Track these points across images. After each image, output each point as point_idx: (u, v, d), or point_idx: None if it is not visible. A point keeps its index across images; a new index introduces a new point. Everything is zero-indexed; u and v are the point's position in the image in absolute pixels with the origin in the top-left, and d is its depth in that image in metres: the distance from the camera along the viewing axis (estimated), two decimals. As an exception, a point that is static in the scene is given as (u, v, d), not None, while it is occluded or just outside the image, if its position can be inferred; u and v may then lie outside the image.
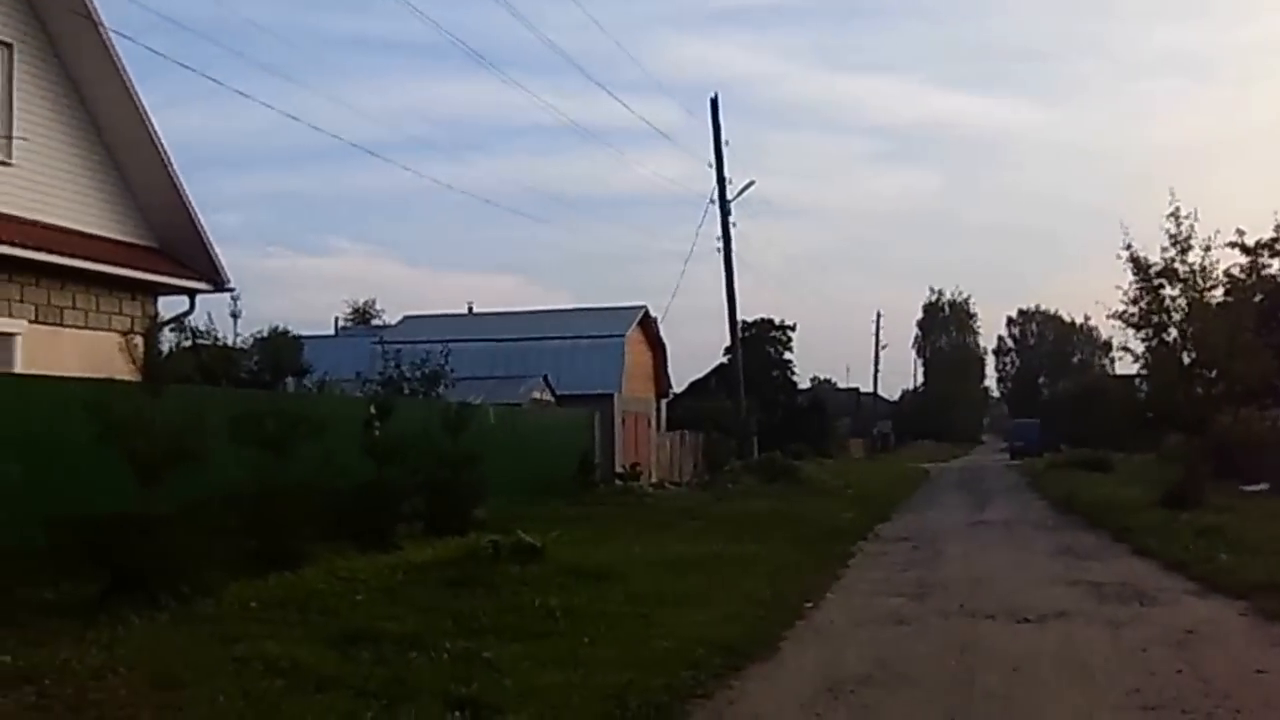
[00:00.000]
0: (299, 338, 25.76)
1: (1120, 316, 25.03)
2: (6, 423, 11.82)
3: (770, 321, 65.28)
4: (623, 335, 37.02)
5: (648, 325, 39.95)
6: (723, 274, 39.29)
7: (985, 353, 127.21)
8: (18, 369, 15.05)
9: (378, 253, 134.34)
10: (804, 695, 8.19)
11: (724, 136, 39.39)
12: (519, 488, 22.52)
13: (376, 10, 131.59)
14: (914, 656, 9.54)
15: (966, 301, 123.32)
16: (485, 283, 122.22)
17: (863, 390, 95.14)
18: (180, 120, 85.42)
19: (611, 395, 34.05)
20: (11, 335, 15.48)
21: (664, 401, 42.71)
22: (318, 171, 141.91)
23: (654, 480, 33.81)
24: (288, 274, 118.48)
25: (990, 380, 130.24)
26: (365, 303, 67.00)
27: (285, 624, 9.61)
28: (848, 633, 10.76)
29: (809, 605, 12.17)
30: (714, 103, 39.60)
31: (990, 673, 8.87)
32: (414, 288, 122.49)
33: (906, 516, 25.60)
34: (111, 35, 16.58)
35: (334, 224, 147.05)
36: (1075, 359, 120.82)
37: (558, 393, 32.93)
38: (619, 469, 31.70)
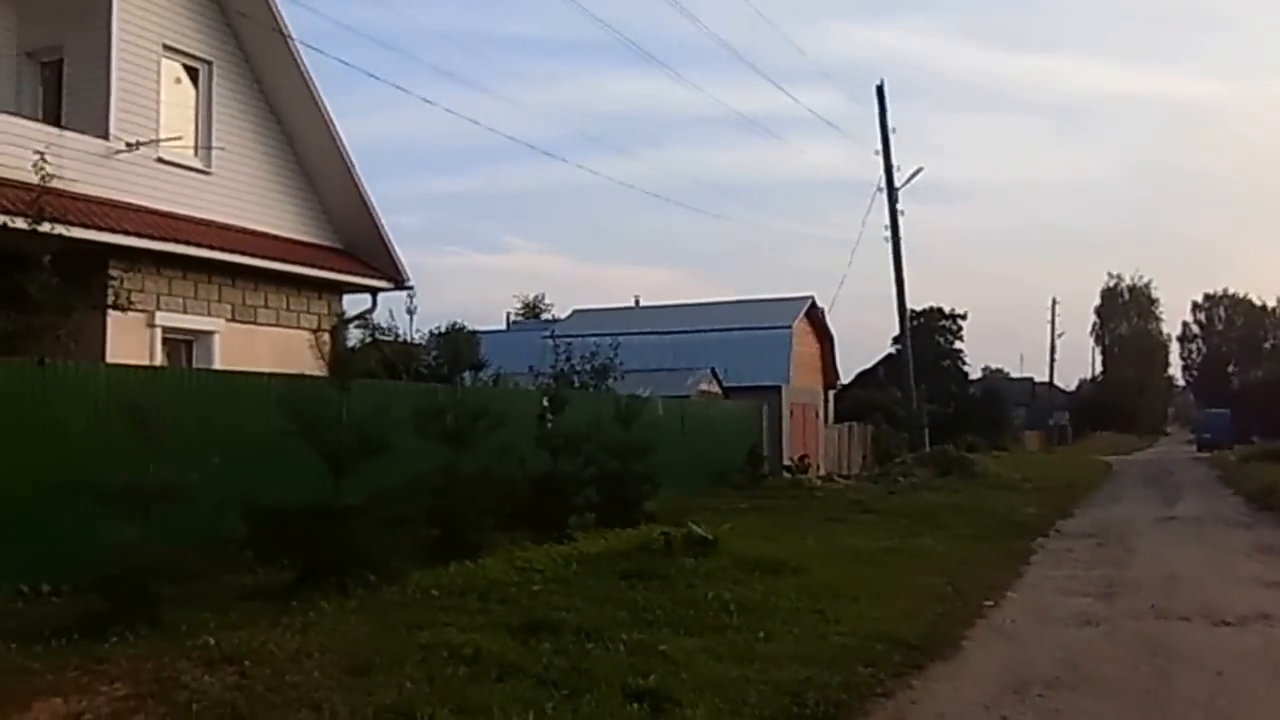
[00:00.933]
0: (475, 332, 26.34)
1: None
2: (208, 416, 12.31)
3: (940, 310, 64.18)
4: (790, 326, 36.74)
5: (815, 315, 39.54)
6: (891, 263, 38.62)
7: (1169, 339, 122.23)
8: (216, 365, 15.83)
9: (546, 249, 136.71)
10: (988, 697, 7.99)
11: (890, 123, 38.67)
12: (688, 480, 22.59)
13: (541, 11, 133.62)
14: (1104, 659, 9.20)
15: (1148, 286, 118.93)
16: (652, 276, 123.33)
17: (1038, 380, 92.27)
18: (363, 125, 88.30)
19: (779, 387, 33.86)
20: (211, 333, 16.30)
21: (831, 393, 42.26)
22: (491, 171, 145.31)
23: (822, 473, 33.51)
24: (460, 271, 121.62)
25: (1174, 369, 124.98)
26: (535, 297, 68.09)
27: (467, 612, 9.78)
28: (1032, 632, 10.45)
29: (989, 603, 11.87)
30: (880, 90, 38.82)
31: (1188, 678, 8.50)
32: (582, 282, 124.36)
33: (1090, 511, 24.73)
34: (300, 48, 17.31)
35: (505, 221, 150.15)
36: (1268, 345, 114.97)
37: (725, 384, 32.92)
38: (787, 461, 31.53)
